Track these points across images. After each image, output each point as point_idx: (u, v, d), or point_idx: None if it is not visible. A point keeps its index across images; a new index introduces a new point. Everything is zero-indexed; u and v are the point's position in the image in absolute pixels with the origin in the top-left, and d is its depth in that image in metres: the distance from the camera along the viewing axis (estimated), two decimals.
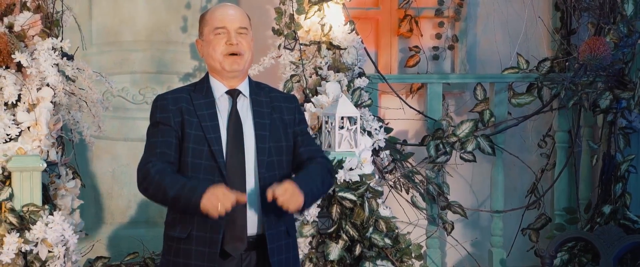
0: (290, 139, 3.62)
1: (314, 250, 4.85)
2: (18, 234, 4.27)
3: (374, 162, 5.21)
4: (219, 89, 3.57)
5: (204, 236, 3.46)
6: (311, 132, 5.10)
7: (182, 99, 3.54)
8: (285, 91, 5.13)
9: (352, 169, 4.91)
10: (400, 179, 5.48)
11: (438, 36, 6.28)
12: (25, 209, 4.36)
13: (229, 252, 3.49)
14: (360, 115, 5.06)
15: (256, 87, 3.65)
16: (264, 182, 3.50)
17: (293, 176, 3.58)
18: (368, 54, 5.56)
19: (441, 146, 5.54)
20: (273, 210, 3.49)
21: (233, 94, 3.56)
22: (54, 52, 4.52)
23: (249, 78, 3.65)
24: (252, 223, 3.50)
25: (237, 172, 3.48)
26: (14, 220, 4.30)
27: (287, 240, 3.60)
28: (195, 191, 3.33)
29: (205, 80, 3.61)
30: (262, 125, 3.54)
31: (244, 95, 3.58)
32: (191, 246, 3.49)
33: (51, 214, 4.37)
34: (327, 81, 5.15)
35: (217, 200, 3.29)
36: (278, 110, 3.62)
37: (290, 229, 3.63)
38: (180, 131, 3.50)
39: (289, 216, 3.60)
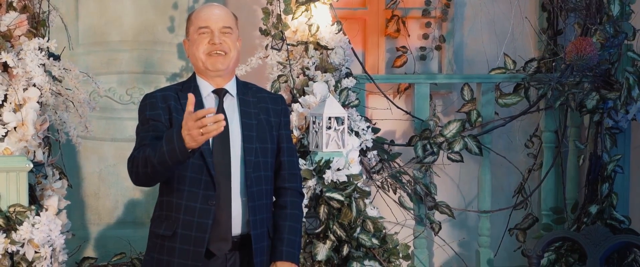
0: (275, 142, 3.63)
1: (301, 250, 4.85)
2: (4, 235, 4.25)
3: (361, 162, 5.21)
4: (205, 88, 3.57)
5: (190, 235, 3.46)
6: (298, 133, 5.10)
7: (170, 97, 3.54)
8: (272, 91, 5.13)
9: (340, 170, 4.91)
10: (388, 179, 5.49)
11: (425, 36, 6.28)
12: (11, 209, 4.34)
13: (213, 252, 3.49)
14: (348, 116, 5.07)
15: (244, 87, 3.65)
16: (251, 181, 3.50)
17: (285, 236, 3.60)
18: (355, 54, 5.56)
19: (428, 146, 5.55)
20: (259, 210, 3.51)
21: (220, 93, 3.56)
22: (41, 53, 4.50)
23: (236, 78, 3.65)
24: (237, 223, 3.51)
25: (224, 172, 3.49)
26: (0, 221, 4.29)
27: (268, 241, 3.61)
28: (172, 139, 3.23)
29: (192, 79, 3.61)
30: (249, 126, 3.55)
31: (231, 94, 3.58)
32: (176, 243, 3.49)
33: (38, 214, 4.36)
34: (314, 81, 5.15)
35: (196, 130, 3.17)
36: (265, 111, 3.62)
37: (271, 231, 3.64)
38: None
39: (269, 216, 3.62)
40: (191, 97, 3.24)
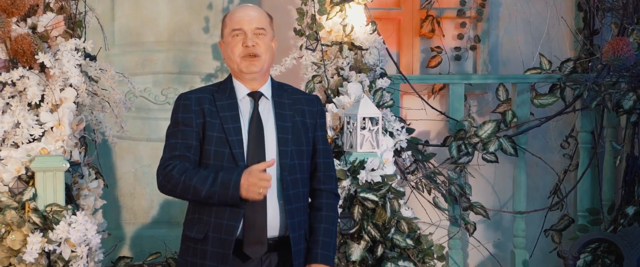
0: (311, 144, 3.62)
1: (336, 251, 4.84)
2: (41, 234, 4.28)
3: (395, 162, 5.20)
4: (241, 90, 3.56)
5: (220, 238, 3.46)
6: (333, 133, 5.10)
7: (205, 100, 3.53)
8: (307, 92, 5.13)
9: (374, 170, 4.90)
10: (422, 180, 5.47)
11: (460, 36, 6.26)
12: (48, 209, 4.37)
13: (248, 255, 3.49)
14: (382, 116, 5.06)
15: (279, 89, 3.63)
16: (287, 185, 3.50)
17: (320, 238, 3.61)
18: (390, 55, 5.55)
19: (463, 146, 5.53)
20: (296, 213, 3.50)
21: (255, 96, 3.55)
22: (77, 53, 4.53)
23: (272, 79, 3.64)
24: (273, 225, 3.50)
25: None
26: (37, 220, 4.32)
27: (305, 244, 3.60)
28: (229, 185, 3.33)
29: (229, 81, 3.60)
30: (284, 128, 3.53)
31: (266, 97, 3.57)
32: (207, 246, 3.49)
33: (74, 214, 4.38)
34: (348, 82, 5.14)
35: (256, 187, 3.31)
36: (300, 113, 3.61)
37: (307, 233, 3.62)
38: (201, 133, 3.49)
39: (306, 219, 3.61)
40: (272, 162, 3.40)
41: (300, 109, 3.62)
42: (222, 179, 3.36)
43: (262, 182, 3.31)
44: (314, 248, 3.58)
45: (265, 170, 3.36)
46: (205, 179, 3.38)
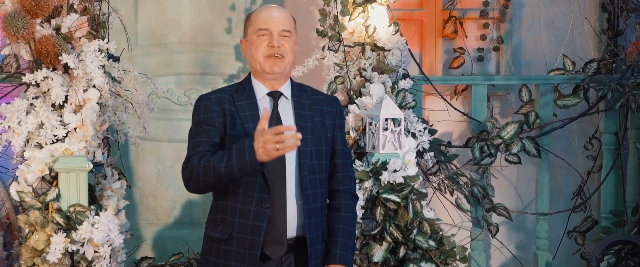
0: (330, 144, 3.61)
1: (358, 251, 4.84)
2: (65, 234, 4.30)
3: (418, 163, 5.19)
4: (260, 90, 3.56)
5: (245, 238, 3.46)
6: (355, 134, 5.09)
7: (225, 100, 3.53)
8: (329, 93, 5.13)
9: (396, 171, 4.89)
10: (445, 181, 5.46)
11: (483, 37, 6.24)
12: (71, 209, 4.40)
13: (268, 256, 3.49)
14: (405, 117, 5.05)
15: (298, 89, 3.63)
16: (306, 184, 3.49)
17: (338, 239, 3.59)
18: (412, 56, 5.54)
19: (486, 147, 5.51)
20: (314, 213, 3.50)
21: (274, 95, 3.55)
22: (100, 54, 4.55)
23: (291, 80, 3.64)
24: (292, 226, 3.49)
25: (279, 175, 3.47)
26: (60, 220, 4.34)
27: (323, 244, 3.59)
28: (244, 152, 3.28)
29: (248, 81, 3.60)
30: (304, 128, 3.52)
31: (286, 97, 3.57)
32: (232, 247, 3.48)
33: (97, 214, 4.40)
34: (371, 83, 5.14)
35: (271, 144, 3.24)
36: (319, 113, 3.60)
37: (325, 233, 3.62)
38: (223, 133, 3.50)
39: (325, 219, 3.60)
40: (266, 113, 3.28)
41: (319, 110, 3.61)
42: (236, 149, 3.30)
43: (276, 137, 3.22)
44: (332, 249, 3.57)
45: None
46: (221, 156, 3.34)
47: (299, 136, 3.24)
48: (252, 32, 3.54)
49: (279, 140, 3.22)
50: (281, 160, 3.46)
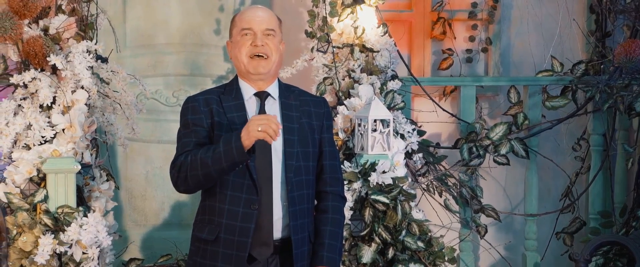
0: (317, 145, 3.61)
1: (346, 253, 4.84)
2: (53, 236, 4.29)
3: (406, 165, 5.19)
4: (247, 91, 3.55)
5: (232, 239, 3.45)
6: (344, 135, 5.09)
7: (212, 101, 3.53)
8: (317, 94, 5.13)
9: (385, 172, 4.90)
10: (433, 182, 5.46)
11: (471, 39, 6.26)
12: (59, 210, 4.39)
13: (255, 257, 3.49)
14: (393, 118, 5.05)
15: (286, 90, 3.62)
16: (292, 186, 3.49)
17: (325, 241, 3.57)
18: (401, 57, 5.55)
19: (474, 149, 5.52)
20: (300, 215, 3.49)
21: (261, 96, 3.54)
22: (89, 55, 4.54)
23: (279, 80, 3.63)
24: (278, 227, 3.49)
25: (265, 176, 3.46)
26: (48, 221, 4.33)
27: (309, 246, 3.59)
28: (230, 140, 3.28)
29: (235, 82, 3.59)
30: (291, 130, 3.52)
31: (273, 97, 3.57)
32: (219, 248, 3.48)
33: (85, 215, 4.39)
34: (360, 84, 5.14)
35: (255, 126, 3.23)
36: (307, 115, 3.60)
37: (312, 235, 3.61)
38: (211, 134, 3.49)
39: (311, 221, 3.60)
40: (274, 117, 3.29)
41: (307, 111, 3.61)
42: (223, 139, 3.31)
43: (260, 120, 3.23)
44: (319, 250, 3.57)
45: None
46: (208, 148, 3.34)
47: (279, 126, 3.25)
48: (236, 32, 3.55)
49: (264, 122, 3.22)
50: (268, 161, 3.46)
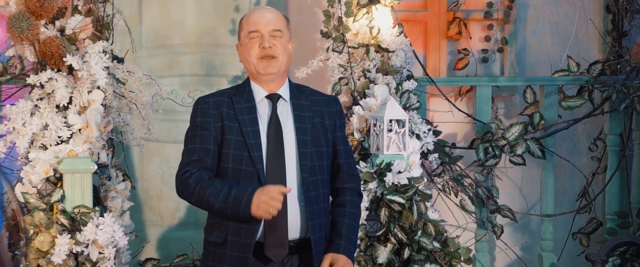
0: (330, 145, 3.60)
1: (362, 253, 4.84)
2: (69, 236, 4.31)
3: (422, 165, 5.18)
4: (259, 93, 3.55)
5: (238, 241, 3.46)
6: (359, 135, 5.09)
7: (223, 103, 3.53)
8: (333, 94, 5.13)
9: (401, 172, 4.89)
10: (449, 182, 5.45)
11: (487, 39, 6.24)
12: (76, 210, 4.40)
13: (270, 258, 3.48)
14: (409, 118, 5.04)
15: (297, 91, 3.62)
16: (308, 186, 3.48)
17: (343, 231, 3.58)
18: (416, 57, 5.54)
19: (490, 149, 5.50)
20: (317, 214, 3.49)
21: (273, 98, 3.54)
22: (105, 55, 4.55)
23: (290, 81, 3.63)
24: (294, 228, 3.48)
25: (278, 178, 3.46)
26: (65, 221, 4.35)
27: (325, 245, 3.58)
28: (241, 202, 3.34)
29: (247, 84, 3.59)
30: (304, 130, 3.52)
31: (284, 99, 3.56)
32: (226, 250, 3.48)
33: (102, 215, 4.41)
34: (375, 84, 5.14)
35: (267, 205, 3.31)
36: (319, 114, 3.59)
37: (328, 235, 3.61)
38: (220, 137, 3.49)
39: (327, 220, 3.59)
40: (288, 190, 3.35)
41: (319, 110, 3.60)
42: (234, 195, 3.37)
43: (273, 201, 3.30)
44: (336, 240, 3.55)
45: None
46: (219, 192, 3.40)
47: (289, 190, 3.36)
48: (244, 35, 3.55)
49: (275, 205, 3.30)
50: (281, 163, 3.47)
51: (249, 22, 3.55)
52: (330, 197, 3.66)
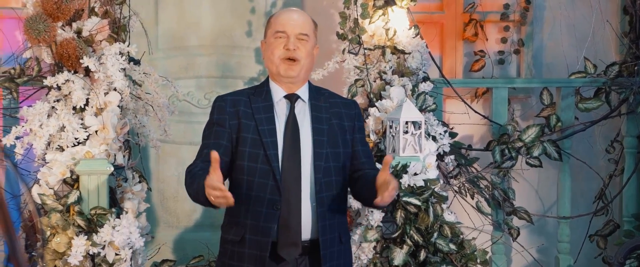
0: (348, 146, 3.60)
1: (378, 255, 4.83)
2: (86, 237, 4.31)
3: (438, 167, 5.18)
4: (277, 93, 3.56)
5: (256, 239, 3.47)
6: (375, 137, 5.09)
7: (240, 102, 3.55)
8: (349, 96, 5.13)
9: (417, 174, 4.88)
10: (465, 184, 5.44)
11: (503, 40, 6.22)
12: (92, 212, 4.41)
13: (283, 257, 3.48)
14: (425, 120, 5.04)
15: (316, 93, 3.63)
16: (320, 187, 3.49)
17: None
18: (433, 58, 5.53)
19: (507, 151, 5.49)
20: (329, 215, 3.49)
21: (291, 98, 3.55)
22: (121, 57, 4.57)
23: (309, 83, 3.64)
24: (306, 228, 3.49)
25: (293, 177, 3.47)
26: (81, 223, 4.36)
27: (340, 246, 3.58)
28: (200, 193, 3.33)
29: (266, 83, 3.61)
30: (320, 131, 3.53)
31: (303, 100, 3.57)
32: (244, 249, 3.50)
33: (118, 217, 4.42)
34: (391, 85, 5.13)
35: (210, 196, 3.26)
36: (337, 116, 3.60)
37: (343, 236, 3.60)
38: (236, 135, 3.50)
39: (342, 221, 3.59)
40: (214, 155, 3.23)
41: (337, 112, 3.61)
42: (197, 184, 3.35)
43: (210, 189, 3.23)
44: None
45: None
46: (192, 182, 3.41)
47: (231, 200, 3.24)
48: (270, 34, 3.56)
49: (214, 194, 3.23)
50: (297, 162, 3.48)
51: (277, 22, 3.55)
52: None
